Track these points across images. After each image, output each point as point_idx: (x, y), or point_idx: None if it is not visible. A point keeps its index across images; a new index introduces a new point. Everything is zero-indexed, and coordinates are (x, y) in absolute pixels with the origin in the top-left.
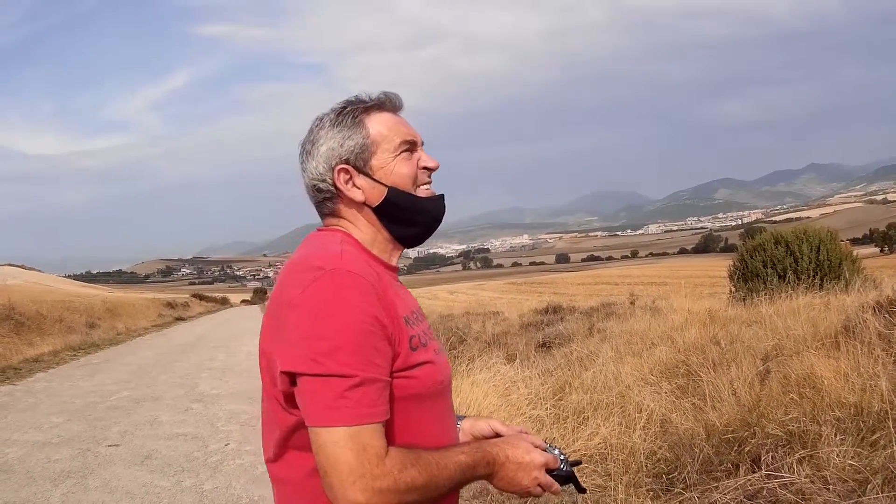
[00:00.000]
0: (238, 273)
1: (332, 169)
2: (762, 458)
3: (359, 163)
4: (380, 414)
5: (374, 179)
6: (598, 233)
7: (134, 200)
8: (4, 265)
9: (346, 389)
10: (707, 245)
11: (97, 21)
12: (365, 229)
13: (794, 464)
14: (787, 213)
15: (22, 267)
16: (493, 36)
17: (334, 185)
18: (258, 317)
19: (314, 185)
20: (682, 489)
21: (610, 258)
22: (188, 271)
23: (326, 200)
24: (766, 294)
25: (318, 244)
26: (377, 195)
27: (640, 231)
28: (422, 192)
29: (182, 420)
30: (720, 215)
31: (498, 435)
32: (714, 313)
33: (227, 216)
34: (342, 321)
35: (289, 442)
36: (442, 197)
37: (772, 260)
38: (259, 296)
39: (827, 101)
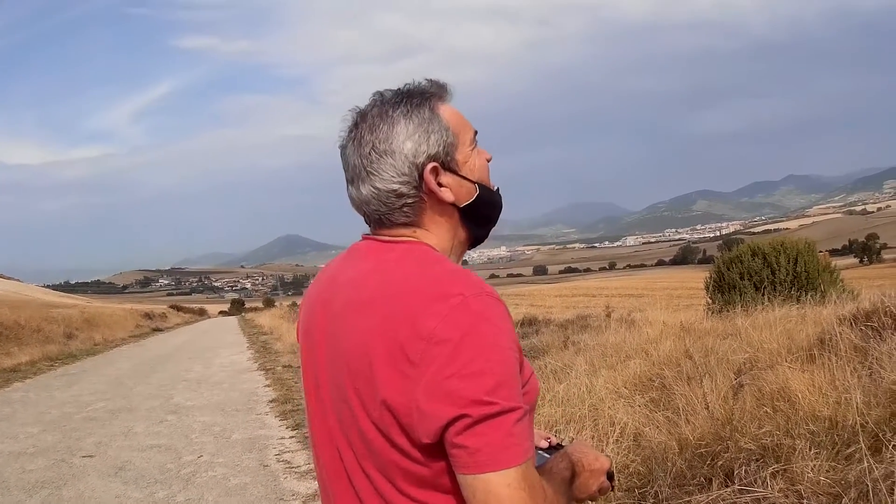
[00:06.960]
0: (216, 284)
1: (421, 168)
2: (735, 473)
3: (447, 159)
4: (533, 444)
5: (461, 176)
6: (576, 245)
7: (113, 211)
8: None
9: (512, 426)
10: (685, 257)
11: (79, 33)
12: (444, 235)
13: (768, 478)
14: (765, 224)
15: (1, 276)
16: (471, 48)
17: (421, 186)
18: (236, 328)
19: (394, 190)
20: (654, 503)
21: (588, 270)
22: (166, 282)
23: (406, 207)
24: (742, 306)
25: (419, 262)
26: (465, 194)
27: (619, 243)
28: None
29: (156, 431)
30: (698, 227)
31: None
32: (689, 326)
33: (206, 228)
34: (499, 352)
35: (424, 486)
36: (499, 190)
37: (749, 272)
38: (237, 307)
39: (805, 113)
